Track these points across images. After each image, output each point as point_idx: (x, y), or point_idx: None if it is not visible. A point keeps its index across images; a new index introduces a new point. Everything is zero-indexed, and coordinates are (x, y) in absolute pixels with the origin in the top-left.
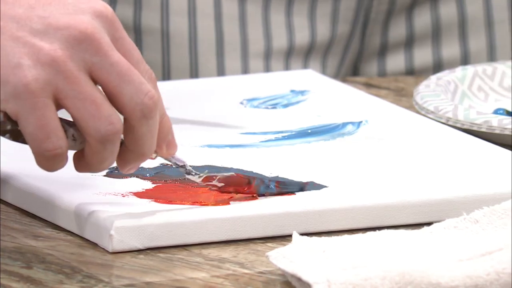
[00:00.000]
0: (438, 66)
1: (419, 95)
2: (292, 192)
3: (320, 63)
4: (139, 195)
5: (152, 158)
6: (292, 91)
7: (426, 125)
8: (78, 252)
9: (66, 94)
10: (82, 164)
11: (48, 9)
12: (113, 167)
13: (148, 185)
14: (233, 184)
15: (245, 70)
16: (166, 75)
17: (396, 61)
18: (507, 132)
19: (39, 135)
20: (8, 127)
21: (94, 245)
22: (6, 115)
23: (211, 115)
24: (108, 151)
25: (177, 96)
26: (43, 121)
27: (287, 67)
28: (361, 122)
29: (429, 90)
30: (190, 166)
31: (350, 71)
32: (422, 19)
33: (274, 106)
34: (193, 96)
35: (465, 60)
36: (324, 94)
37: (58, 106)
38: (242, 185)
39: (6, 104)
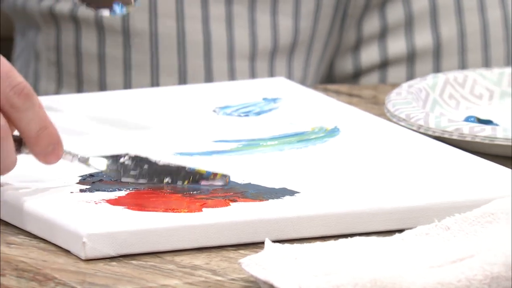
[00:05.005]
0: (411, 56)
1: (390, 103)
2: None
3: (302, 61)
4: (112, 202)
5: None
6: (265, 99)
7: (397, 132)
8: (51, 259)
9: None
10: None
11: None
12: (86, 174)
13: (121, 192)
14: None
15: (232, 71)
16: (154, 77)
17: (370, 54)
18: (478, 140)
19: None
20: None
21: (67, 252)
22: None
23: (184, 122)
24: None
25: (152, 103)
26: None
27: (271, 68)
28: (333, 129)
29: (400, 97)
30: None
31: (328, 67)
32: (395, 11)
33: (246, 114)
34: (165, 103)
35: (437, 48)
36: (296, 101)
37: None
38: None
39: None
